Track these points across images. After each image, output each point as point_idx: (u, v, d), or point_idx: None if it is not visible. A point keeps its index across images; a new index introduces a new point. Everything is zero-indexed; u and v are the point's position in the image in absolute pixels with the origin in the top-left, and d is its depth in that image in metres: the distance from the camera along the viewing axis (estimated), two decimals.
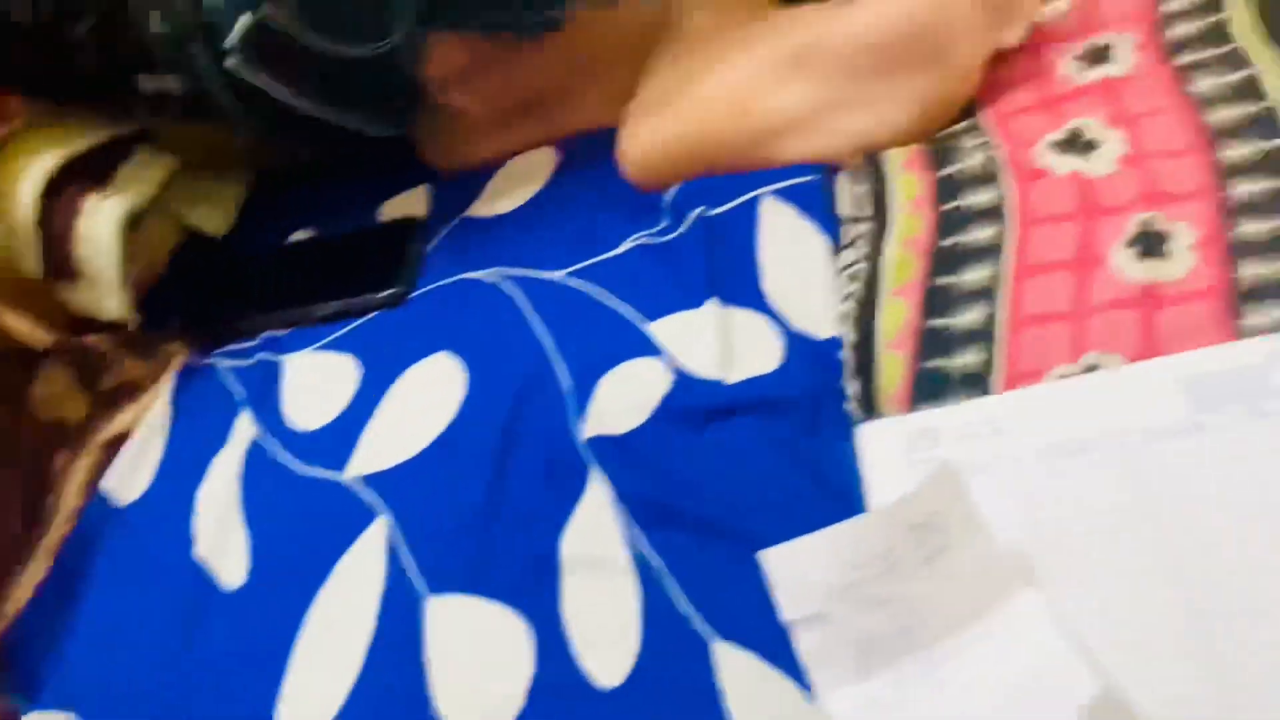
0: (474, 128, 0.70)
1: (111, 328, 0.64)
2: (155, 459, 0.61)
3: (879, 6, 0.56)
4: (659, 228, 0.58)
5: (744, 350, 0.51)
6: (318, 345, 0.64)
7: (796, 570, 0.39)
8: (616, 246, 0.59)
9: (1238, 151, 0.49)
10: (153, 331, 0.66)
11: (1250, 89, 0.51)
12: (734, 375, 0.51)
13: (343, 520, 0.53)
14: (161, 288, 0.68)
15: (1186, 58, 0.54)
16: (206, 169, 0.71)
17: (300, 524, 0.55)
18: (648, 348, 0.53)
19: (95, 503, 0.59)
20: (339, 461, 0.56)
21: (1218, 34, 0.54)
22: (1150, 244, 0.47)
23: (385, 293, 0.64)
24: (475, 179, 0.70)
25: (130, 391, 0.64)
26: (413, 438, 0.56)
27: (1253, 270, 0.45)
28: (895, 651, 0.38)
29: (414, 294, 0.64)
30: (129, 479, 0.60)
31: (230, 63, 0.57)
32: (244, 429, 0.60)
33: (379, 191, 0.73)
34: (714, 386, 0.50)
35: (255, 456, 0.58)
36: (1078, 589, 0.38)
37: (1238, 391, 0.40)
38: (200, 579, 0.54)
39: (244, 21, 0.56)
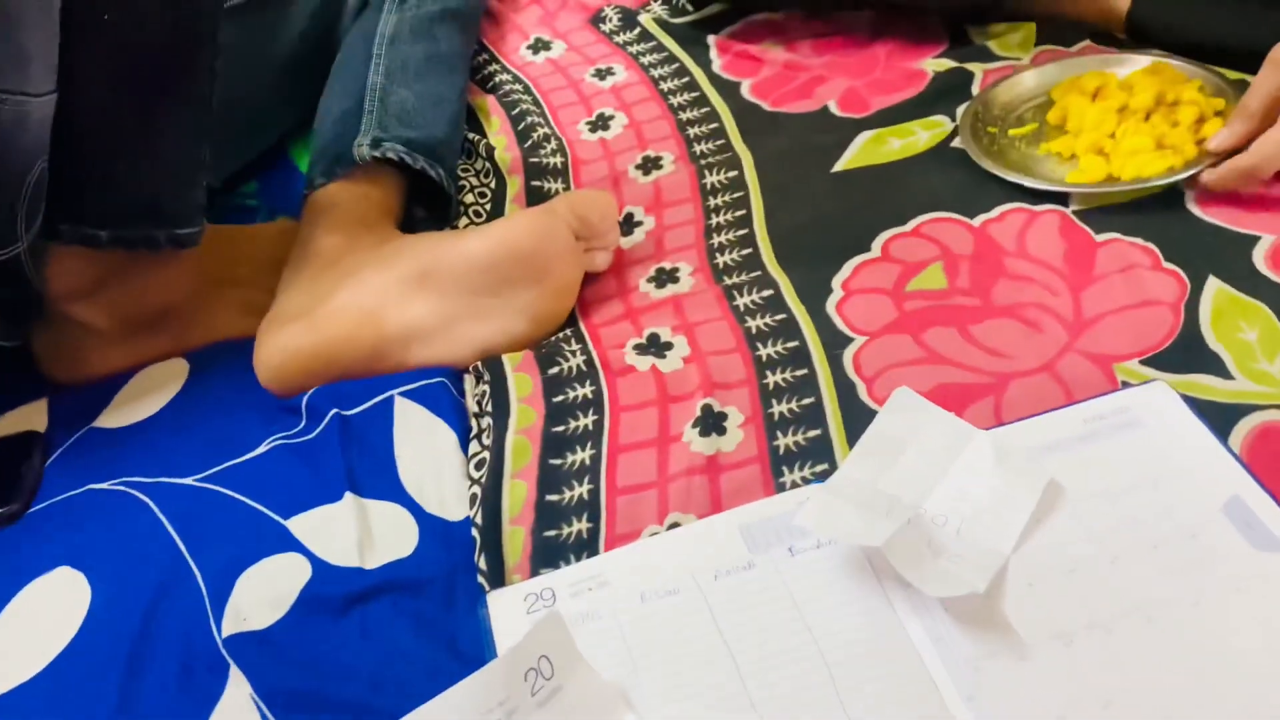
0: (100, 340, 0.70)
1: None
2: None
3: (491, 234, 0.66)
4: (297, 429, 0.62)
5: (382, 537, 0.56)
6: None
7: None
8: (255, 448, 0.61)
9: (769, 350, 0.62)
10: None
11: (776, 302, 0.66)
12: (372, 561, 0.55)
13: None
14: None
15: (730, 280, 0.68)
16: None
17: None
18: (287, 543, 0.56)
19: None
20: None
21: (752, 262, 0.69)
22: (710, 423, 0.58)
23: None
24: (101, 390, 0.69)
25: None
26: (30, 658, 0.53)
27: (784, 441, 0.57)
28: None
29: (31, 510, 0.62)
30: None
31: None
32: None
33: None
34: (353, 573, 0.54)
35: None
36: (669, 705, 0.45)
37: (778, 534, 0.51)
38: None
39: None
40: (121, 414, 0.68)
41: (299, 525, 0.57)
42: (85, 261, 0.65)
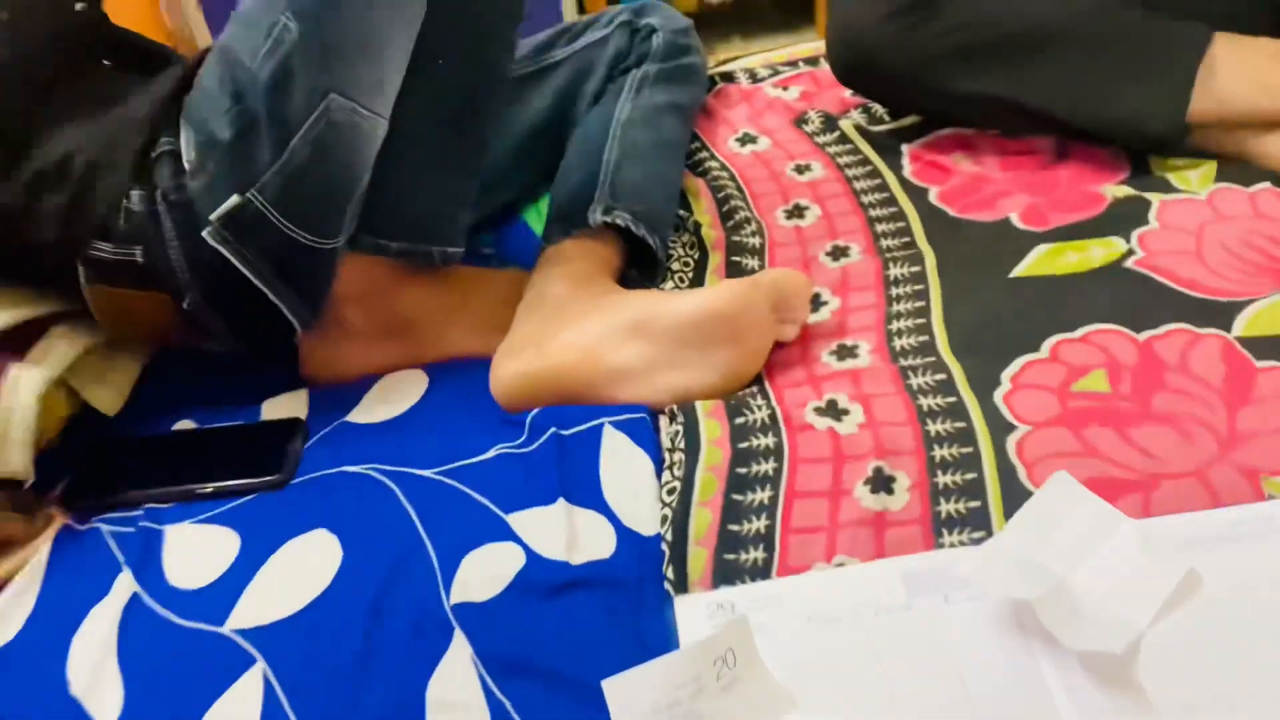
0: (355, 341, 0.83)
1: None
2: (28, 608, 0.65)
3: (700, 297, 0.76)
4: (519, 440, 0.73)
5: (586, 540, 0.65)
6: (199, 518, 0.71)
7: (629, 693, 0.51)
8: (484, 453, 0.72)
9: (938, 427, 0.70)
10: (37, 493, 0.72)
11: (948, 387, 0.73)
12: (577, 558, 0.64)
13: (221, 666, 0.60)
14: (52, 453, 0.75)
15: (906, 361, 0.76)
16: (107, 351, 0.80)
17: (177, 668, 0.61)
18: (507, 534, 0.66)
19: None
20: (219, 616, 0.64)
21: (927, 349, 0.77)
22: (880, 483, 0.66)
23: (267, 478, 0.74)
24: (352, 390, 0.82)
25: (5, 546, 0.69)
26: (291, 598, 0.64)
27: (946, 508, 0.64)
28: None
29: (293, 481, 0.74)
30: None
31: (206, 233, 0.69)
32: (124, 584, 0.66)
33: (258, 392, 0.84)
34: (561, 566, 0.64)
35: (135, 608, 0.65)
36: (830, 716, 0.52)
37: (936, 584, 0.58)
38: (77, 716, 0.58)
39: (233, 201, 0.69)
40: (370, 412, 0.80)
41: (517, 520, 0.67)
42: (362, 269, 0.80)
